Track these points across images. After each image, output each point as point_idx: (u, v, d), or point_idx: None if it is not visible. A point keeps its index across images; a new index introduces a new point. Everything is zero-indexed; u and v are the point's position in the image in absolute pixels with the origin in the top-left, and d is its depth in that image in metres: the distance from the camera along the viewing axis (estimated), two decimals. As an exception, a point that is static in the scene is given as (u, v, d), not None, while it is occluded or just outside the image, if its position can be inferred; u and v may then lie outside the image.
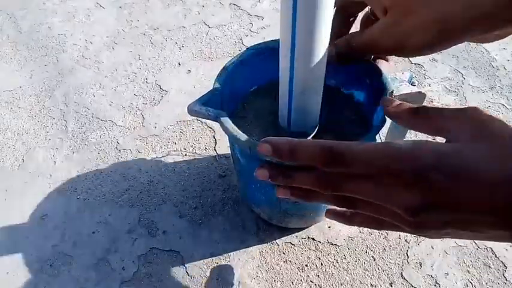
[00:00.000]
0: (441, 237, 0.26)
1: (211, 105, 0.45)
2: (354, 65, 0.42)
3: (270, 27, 1.06)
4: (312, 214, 0.62)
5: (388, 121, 0.41)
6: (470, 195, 0.22)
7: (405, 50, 0.33)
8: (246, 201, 0.69)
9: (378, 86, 0.45)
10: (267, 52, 0.52)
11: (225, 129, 0.43)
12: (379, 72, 0.45)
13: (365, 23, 0.40)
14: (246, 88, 0.57)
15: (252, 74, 0.54)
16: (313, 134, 0.49)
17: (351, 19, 0.43)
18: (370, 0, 0.35)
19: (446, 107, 0.31)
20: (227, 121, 0.43)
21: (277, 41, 0.53)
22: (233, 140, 0.43)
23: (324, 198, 0.30)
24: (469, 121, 0.26)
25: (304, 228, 0.66)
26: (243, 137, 0.41)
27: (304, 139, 0.29)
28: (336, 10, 0.41)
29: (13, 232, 0.68)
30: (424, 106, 0.30)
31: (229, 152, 0.78)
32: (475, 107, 0.26)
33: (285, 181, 0.30)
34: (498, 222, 0.23)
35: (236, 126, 0.43)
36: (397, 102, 0.32)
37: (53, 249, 0.66)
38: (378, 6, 0.33)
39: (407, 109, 0.30)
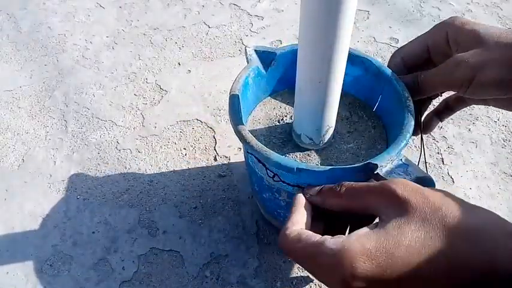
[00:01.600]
0: None
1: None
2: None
3: (270, 27, 1.06)
4: None
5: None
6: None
7: (474, 84, 0.32)
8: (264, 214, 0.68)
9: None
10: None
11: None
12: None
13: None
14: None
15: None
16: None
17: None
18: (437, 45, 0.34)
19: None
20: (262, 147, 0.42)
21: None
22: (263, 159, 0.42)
23: None
24: (389, 197, 0.27)
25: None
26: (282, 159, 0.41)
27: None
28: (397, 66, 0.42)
29: (13, 232, 0.68)
30: (346, 184, 0.30)
31: (229, 152, 0.78)
32: (394, 180, 0.27)
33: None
34: None
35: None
36: (318, 187, 0.33)
37: (53, 249, 0.66)
38: (444, 44, 0.33)
39: (331, 190, 0.31)
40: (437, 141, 0.79)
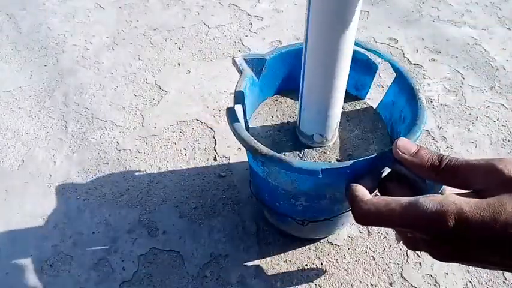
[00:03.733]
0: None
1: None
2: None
3: (270, 28, 1.06)
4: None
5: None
6: (490, 256, 0.24)
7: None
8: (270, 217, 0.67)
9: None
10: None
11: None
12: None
13: None
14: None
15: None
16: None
17: None
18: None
19: (469, 158, 0.29)
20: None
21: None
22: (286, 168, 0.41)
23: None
24: (497, 175, 0.26)
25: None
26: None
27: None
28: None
29: (13, 232, 0.68)
30: (447, 159, 0.28)
31: (229, 152, 0.78)
32: (503, 159, 0.26)
33: None
34: None
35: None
36: (413, 148, 0.31)
37: (53, 249, 0.66)
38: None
39: (427, 162, 0.29)
40: (436, 141, 0.79)
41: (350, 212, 0.51)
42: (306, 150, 0.50)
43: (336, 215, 0.57)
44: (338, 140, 0.51)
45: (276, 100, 0.57)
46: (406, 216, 0.26)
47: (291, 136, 0.52)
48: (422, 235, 0.26)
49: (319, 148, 0.50)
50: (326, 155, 0.49)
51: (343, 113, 0.54)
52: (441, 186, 0.33)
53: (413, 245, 0.30)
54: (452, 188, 0.29)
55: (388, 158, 0.37)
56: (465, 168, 0.27)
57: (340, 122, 0.52)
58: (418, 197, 0.27)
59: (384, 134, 0.51)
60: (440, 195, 0.26)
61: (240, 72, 0.51)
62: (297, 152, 0.50)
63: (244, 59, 0.52)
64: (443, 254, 0.27)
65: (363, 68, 0.54)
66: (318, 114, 0.46)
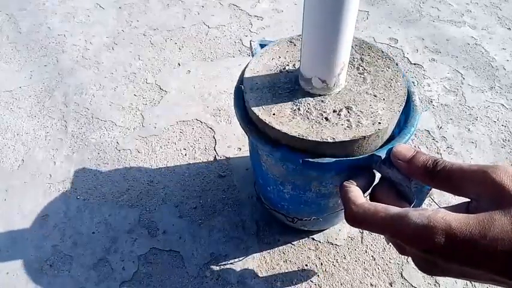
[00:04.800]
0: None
1: None
2: None
3: (270, 28, 1.06)
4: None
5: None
6: (478, 272, 0.24)
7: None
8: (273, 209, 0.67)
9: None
10: None
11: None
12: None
13: None
14: None
15: None
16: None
17: None
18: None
19: (464, 163, 0.29)
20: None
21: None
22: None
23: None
24: (490, 186, 0.26)
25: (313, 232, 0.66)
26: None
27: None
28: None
29: (13, 232, 0.68)
30: (442, 164, 0.29)
31: (229, 152, 0.78)
32: (497, 167, 0.26)
33: None
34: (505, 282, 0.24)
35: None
36: (409, 153, 0.31)
37: (53, 249, 0.66)
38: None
39: (422, 167, 0.30)
40: (436, 141, 0.79)
41: (339, 212, 0.51)
42: (302, 97, 0.46)
43: (324, 215, 0.57)
44: (344, 91, 0.46)
45: (290, 42, 0.54)
46: (393, 227, 0.27)
47: (292, 79, 0.48)
48: (408, 247, 0.27)
49: (318, 96, 0.46)
50: (323, 104, 0.45)
51: (357, 64, 0.50)
52: (428, 191, 0.34)
53: (401, 250, 0.30)
54: (443, 192, 0.30)
55: (373, 161, 0.37)
56: (459, 174, 0.27)
57: (350, 73, 0.48)
58: (408, 209, 0.27)
59: (399, 94, 0.46)
60: (430, 209, 0.26)
61: (253, 55, 0.52)
62: (292, 100, 0.46)
63: (259, 44, 0.53)
64: (427, 268, 0.27)
65: None
66: (318, 53, 0.42)
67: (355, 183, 0.34)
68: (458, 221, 0.25)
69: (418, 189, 0.34)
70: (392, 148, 0.32)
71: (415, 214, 0.26)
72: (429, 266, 0.27)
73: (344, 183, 0.34)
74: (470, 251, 0.24)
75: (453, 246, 0.24)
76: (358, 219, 0.30)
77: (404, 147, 0.32)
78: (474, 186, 0.26)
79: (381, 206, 0.29)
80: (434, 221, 0.25)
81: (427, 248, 0.25)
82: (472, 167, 0.27)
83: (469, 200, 0.27)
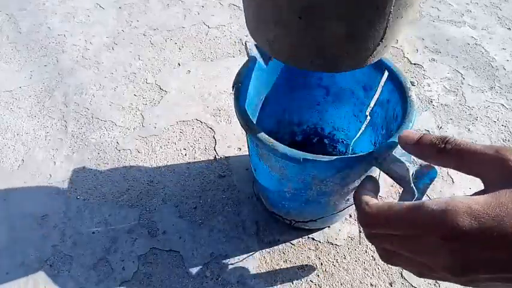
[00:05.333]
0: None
1: None
2: None
3: (270, 28, 1.06)
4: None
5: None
6: (505, 258, 0.23)
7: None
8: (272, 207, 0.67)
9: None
10: None
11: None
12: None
13: None
14: None
15: None
16: None
17: None
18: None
19: (475, 143, 0.28)
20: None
21: None
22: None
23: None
24: (500, 165, 0.25)
25: (312, 230, 0.66)
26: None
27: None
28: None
29: (13, 232, 0.68)
30: (452, 141, 0.28)
31: (229, 152, 0.78)
32: (508, 147, 0.26)
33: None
34: None
35: None
36: (416, 135, 0.31)
37: (53, 249, 0.66)
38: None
39: (432, 146, 0.29)
40: (436, 141, 0.79)
41: (337, 213, 0.51)
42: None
43: (326, 215, 0.57)
44: None
45: None
46: (411, 217, 0.26)
47: None
48: (427, 237, 0.25)
49: None
50: None
51: None
52: (428, 186, 0.34)
53: (388, 257, 0.30)
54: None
55: (373, 157, 0.38)
56: (470, 154, 0.27)
57: None
58: (422, 200, 0.27)
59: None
60: (445, 197, 0.26)
61: (249, 56, 0.53)
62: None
63: (255, 44, 0.53)
64: (463, 265, 0.24)
65: (371, 67, 0.53)
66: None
67: (365, 189, 0.34)
68: (478, 202, 0.24)
69: (417, 188, 0.34)
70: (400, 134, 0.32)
71: (431, 202, 0.25)
72: (459, 262, 0.24)
73: (357, 191, 0.34)
74: (495, 226, 0.23)
75: (479, 225, 0.23)
76: (373, 218, 0.29)
77: (410, 131, 0.32)
78: (488, 168, 0.26)
79: (394, 202, 0.28)
80: (453, 205, 0.24)
81: (452, 229, 0.23)
82: (485, 149, 0.26)
83: (481, 183, 0.27)
